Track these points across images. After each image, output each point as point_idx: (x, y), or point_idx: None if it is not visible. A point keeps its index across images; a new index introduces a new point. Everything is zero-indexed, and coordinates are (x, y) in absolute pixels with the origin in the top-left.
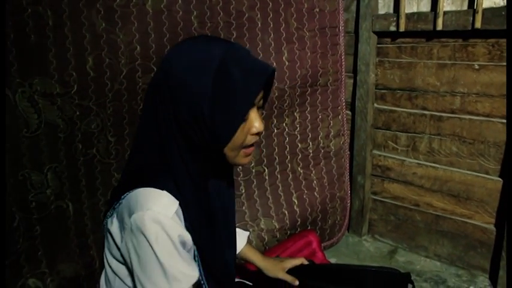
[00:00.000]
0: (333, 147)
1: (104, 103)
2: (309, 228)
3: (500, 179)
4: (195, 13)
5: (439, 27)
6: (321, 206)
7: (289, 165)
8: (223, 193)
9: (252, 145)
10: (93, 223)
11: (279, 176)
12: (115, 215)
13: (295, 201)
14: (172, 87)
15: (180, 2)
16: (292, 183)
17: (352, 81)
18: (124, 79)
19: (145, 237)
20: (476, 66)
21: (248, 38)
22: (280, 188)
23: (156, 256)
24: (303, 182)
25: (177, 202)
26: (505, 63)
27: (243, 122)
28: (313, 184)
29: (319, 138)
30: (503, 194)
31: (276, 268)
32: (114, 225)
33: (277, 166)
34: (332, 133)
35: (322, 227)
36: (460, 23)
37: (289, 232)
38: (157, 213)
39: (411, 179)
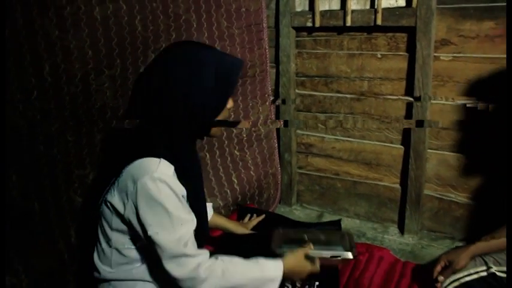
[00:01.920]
0: (263, 130)
1: (62, 106)
2: (248, 203)
3: (402, 147)
4: (138, 17)
5: (348, 23)
6: (257, 183)
7: (227, 149)
8: (196, 159)
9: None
10: (58, 219)
11: (219, 159)
12: (115, 188)
13: (235, 180)
14: (182, 85)
15: (124, 8)
16: (230, 165)
17: (275, 70)
18: (79, 82)
19: (154, 195)
20: (379, 56)
21: (185, 37)
22: (221, 170)
23: (165, 208)
24: (240, 163)
25: (173, 166)
26: (400, 53)
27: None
28: (249, 164)
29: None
30: (404, 159)
31: (243, 227)
32: (115, 197)
33: (217, 151)
34: (261, 118)
35: (259, 200)
36: (365, 20)
37: (232, 208)
38: (162, 174)
39: (331, 152)
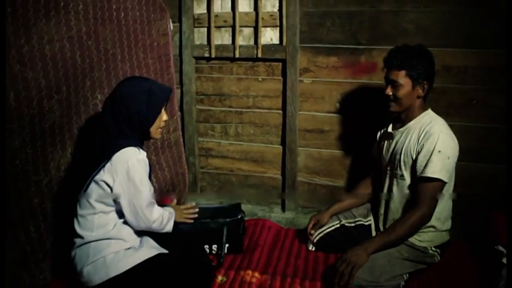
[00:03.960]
0: (173, 139)
1: (23, 125)
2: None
3: (280, 146)
4: (78, 53)
5: (237, 55)
6: (171, 181)
7: None
8: None
9: (162, 128)
10: (20, 217)
11: None
12: (105, 169)
13: (154, 179)
14: (125, 101)
15: (67, 46)
16: None
17: (179, 91)
18: (36, 106)
19: (138, 170)
20: (260, 79)
21: (113, 68)
22: None
23: (143, 176)
24: (157, 166)
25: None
26: (276, 77)
27: (159, 114)
28: (163, 166)
29: (164, 134)
30: (282, 155)
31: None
32: (105, 174)
33: None
34: (171, 129)
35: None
36: (249, 53)
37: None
38: (144, 155)
39: (226, 154)
